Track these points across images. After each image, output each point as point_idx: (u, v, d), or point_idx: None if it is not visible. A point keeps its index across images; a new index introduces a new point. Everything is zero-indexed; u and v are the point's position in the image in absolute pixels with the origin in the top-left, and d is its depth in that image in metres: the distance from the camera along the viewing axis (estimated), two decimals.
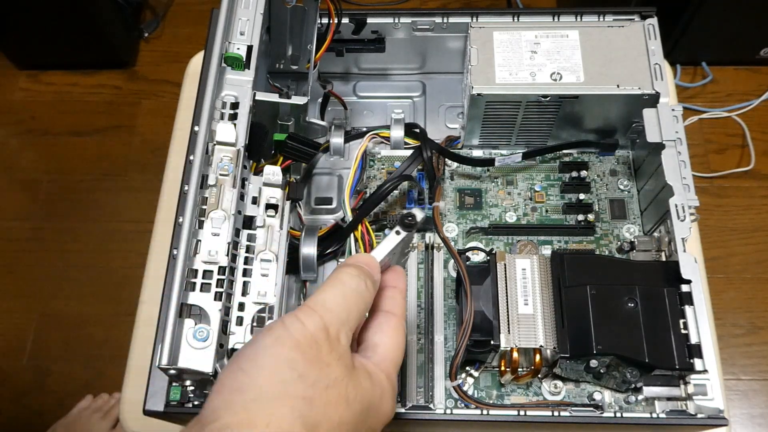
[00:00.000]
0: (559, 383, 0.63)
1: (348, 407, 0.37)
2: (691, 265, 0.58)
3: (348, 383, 0.38)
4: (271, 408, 0.35)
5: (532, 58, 0.68)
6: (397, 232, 0.47)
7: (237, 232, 0.54)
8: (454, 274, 0.69)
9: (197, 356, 0.48)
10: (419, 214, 0.47)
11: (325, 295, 0.40)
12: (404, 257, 0.52)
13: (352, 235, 0.67)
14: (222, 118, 0.56)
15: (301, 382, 0.36)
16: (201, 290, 0.50)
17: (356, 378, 0.39)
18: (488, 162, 0.72)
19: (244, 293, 0.53)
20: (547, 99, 0.67)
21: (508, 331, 0.58)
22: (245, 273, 0.53)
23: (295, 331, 0.37)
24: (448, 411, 0.58)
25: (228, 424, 0.34)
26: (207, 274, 0.51)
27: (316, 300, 0.40)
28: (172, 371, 0.48)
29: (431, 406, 0.62)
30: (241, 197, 0.55)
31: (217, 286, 0.50)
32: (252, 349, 0.37)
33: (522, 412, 0.57)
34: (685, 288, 0.57)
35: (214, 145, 0.54)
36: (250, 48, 0.60)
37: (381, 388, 0.40)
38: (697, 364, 0.55)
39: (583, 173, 0.72)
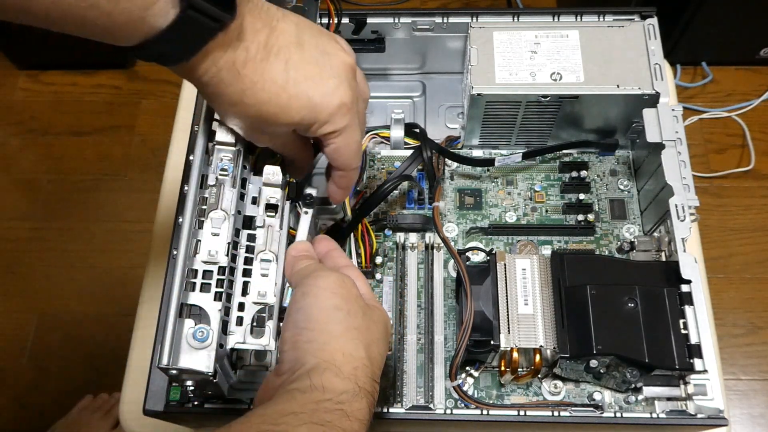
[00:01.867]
0: (559, 383, 0.63)
1: (377, 326, 0.49)
2: (691, 265, 0.58)
3: (371, 311, 0.49)
4: (339, 343, 0.45)
5: (532, 58, 0.68)
6: (305, 212, 0.57)
7: (237, 232, 0.54)
8: (454, 274, 0.69)
9: (197, 356, 0.48)
10: (314, 191, 0.57)
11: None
12: (317, 226, 0.63)
13: (352, 235, 0.67)
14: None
15: (349, 317, 0.46)
16: (201, 290, 0.50)
17: (372, 307, 0.50)
18: (488, 162, 0.72)
19: (244, 293, 0.53)
20: (547, 99, 0.67)
21: (508, 331, 0.58)
22: (245, 273, 0.53)
23: (326, 283, 0.47)
24: (448, 411, 0.58)
25: (317, 364, 0.44)
26: (207, 274, 0.51)
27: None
28: (172, 371, 0.48)
29: (431, 406, 0.62)
30: (241, 197, 0.55)
31: (216, 286, 0.50)
32: (303, 313, 0.47)
33: (522, 412, 0.57)
34: (685, 288, 0.57)
35: (214, 144, 0.54)
36: None
37: (384, 311, 0.51)
38: (697, 364, 0.55)
39: (583, 173, 0.73)
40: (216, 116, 0.56)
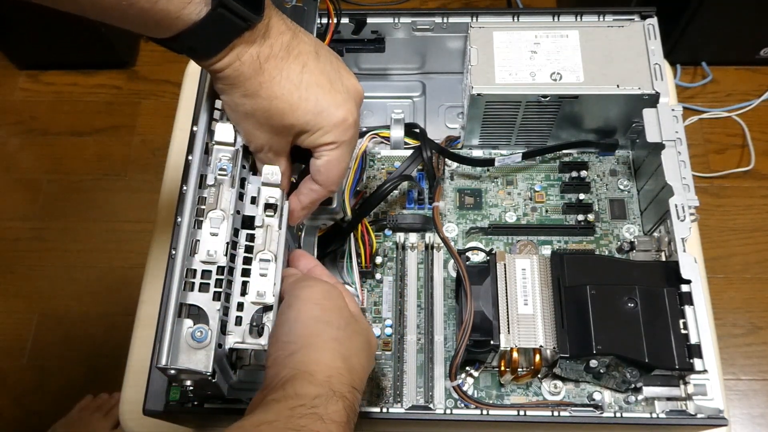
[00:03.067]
0: (559, 383, 0.63)
1: (359, 338, 0.49)
2: (691, 265, 0.58)
3: (354, 323, 0.49)
4: (316, 354, 0.46)
5: (532, 58, 0.68)
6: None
7: (236, 232, 0.54)
8: (454, 274, 0.68)
9: (196, 356, 0.48)
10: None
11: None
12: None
13: (352, 235, 0.67)
14: (221, 117, 0.56)
15: (329, 328, 0.47)
16: (200, 290, 0.50)
17: (357, 319, 0.50)
18: (488, 162, 0.72)
19: (242, 293, 0.53)
20: (547, 99, 0.67)
21: (508, 331, 0.58)
22: (244, 273, 0.53)
23: (310, 294, 0.48)
24: (448, 411, 0.58)
25: (292, 375, 0.44)
26: (206, 274, 0.51)
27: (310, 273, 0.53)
28: (171, 371, 0.47)
29: (431, 406, 0.62)
30: (240, 197, 0.55)
31: (215, 286, 0.50)
32: (286, 327, 0.47)
33: (522, 412, 0.57)
34: (684, 288, 0.57)
35: (213, 144, 0.54)
36: None
37: (368, 325, 0.52)
38: (697, 364, 0.55)
39: (583, 173, 0.72)
40: (215, 116, 0.56)
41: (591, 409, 0.60)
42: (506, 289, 0.59)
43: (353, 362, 0.47)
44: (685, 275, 0.57)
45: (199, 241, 0.52)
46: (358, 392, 0.47)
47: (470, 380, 0.64)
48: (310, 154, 0.53)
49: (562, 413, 0.57)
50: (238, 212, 0.54)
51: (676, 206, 0.61)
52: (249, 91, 0.49)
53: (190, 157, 0.54)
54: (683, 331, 0.56)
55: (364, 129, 0.73)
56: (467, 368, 0.64)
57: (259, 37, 0.47)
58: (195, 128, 0.55)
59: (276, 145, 0.53)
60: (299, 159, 0.58)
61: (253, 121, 0.51)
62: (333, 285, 0.51)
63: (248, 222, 0.55)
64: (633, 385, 0.60)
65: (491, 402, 0.63)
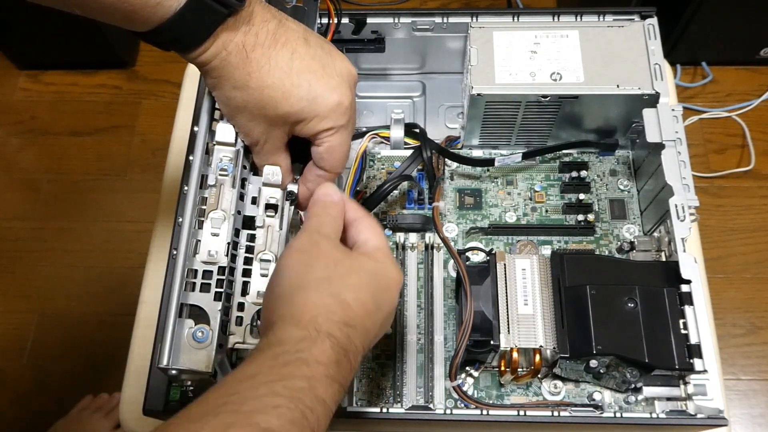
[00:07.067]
0: (559, 383, 0.63)
1: (357, 275, 0.46)
2: (691, 265, 0.58)
3: (350, 260, 0.47)
4: (304, 297, 0.44)
5: (532, 58, 0.68)
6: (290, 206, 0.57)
7: (237, 232, 0.54)
8: (453, 274, 0.69)
9: (197, 356, 0.48)
10: (295, 188, 0.57)
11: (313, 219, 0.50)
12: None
13: None
14: (222, 117, 0.56)
15: (315, 271, 0.45)
16: (201, 290, 0.50)
17: (356, 257, 0.48)
18: (488, 162, 0.72)
19: (243, 293, 0.53)
20: (547, 99, 0.67)
21: (508, 331, 0.58)
22: (245, 273, 0.53)
23: (297, 243, 0.47)
24: (448, 411, 0.58)
25: (279, 318, 0.43)
26: (207, 274, 0.51)
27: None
28: (172, 371, 0.48)
29: (431, 406, 0.62)
30: (241, 197, 0.55)
31: (216, 287, 0.50)
32: (276, 277, 0.46)
33: (522, 412, 0.57)
34: (684, 288, 0.57)
35: (214, 144, 0.54)
36: None
37: (380, 261, 0.48)
38: (697, 364, 0.55)
39: (583, 173, 0.72)
40: (216, 116, 0.56)
41: (591, 409, 0.60)
42: (506, 289, 0.60)
43: (346, 297, 0.44)
44: (685, 275, 0.57)
45: (200, 241, 0.52)
46: (353, 329, 0.44)
47: (470, 380, 0.64)
48: (310, 143, 0.53)
49: (562, 413, 0.57)
50: (239, 212, 0.54)
51: (676, 206, 0.61)
52: (239, 83, 0.48)
53: (191, 158, 0.54)
54: (683, 331, 0.56)
55: (364, 129, 0.73)
56: (467, 368, 0.64)
57: (243, 25, 0.47)
58: (196, 128, 0.55)
59: (273, 138, 0.52)
60: (299, 159, 0.58)
61: (247, 114, 0.51)
62: (317, 233, 0.48)
63: (249, 222, 0.55)
64: (633, 385, 0.60)
65: (491, 402, 0.63)
